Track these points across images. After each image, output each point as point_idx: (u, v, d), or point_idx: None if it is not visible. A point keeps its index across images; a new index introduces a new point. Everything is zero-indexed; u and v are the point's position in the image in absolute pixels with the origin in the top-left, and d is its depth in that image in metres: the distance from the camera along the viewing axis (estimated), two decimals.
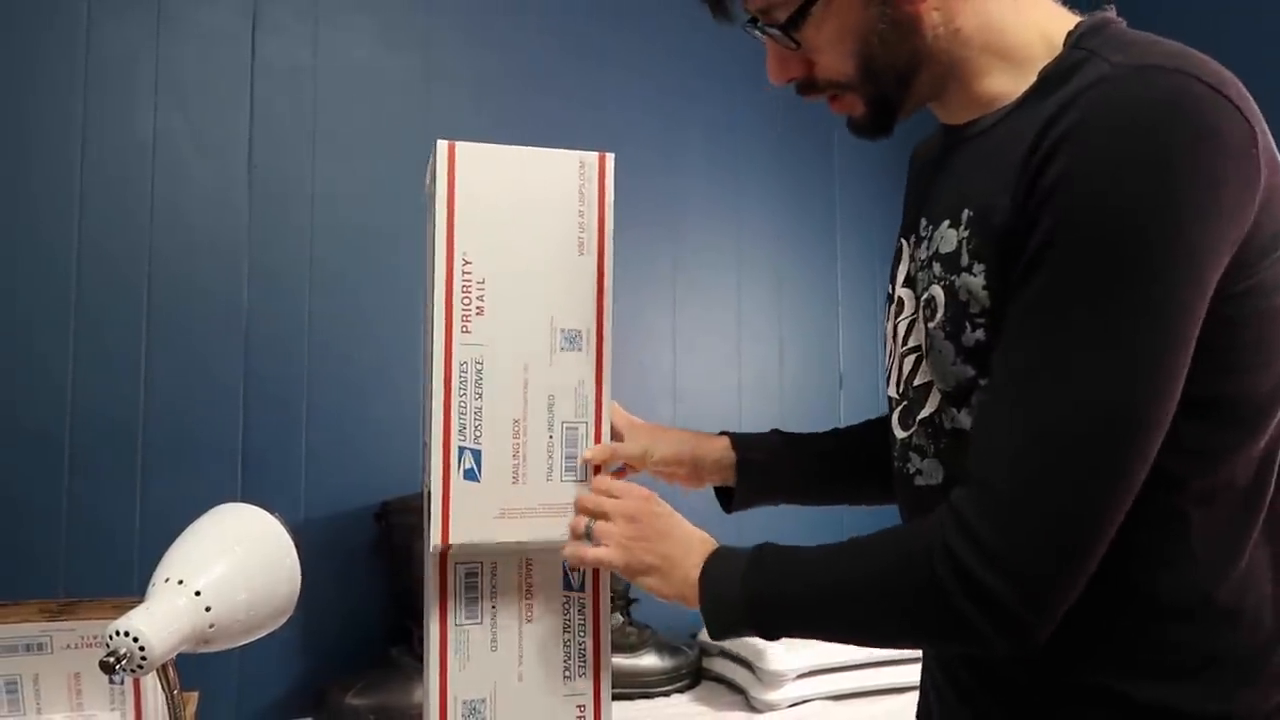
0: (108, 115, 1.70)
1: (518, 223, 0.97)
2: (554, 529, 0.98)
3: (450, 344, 0.95)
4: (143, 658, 0.81)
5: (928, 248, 0.83)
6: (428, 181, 1.01)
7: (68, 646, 1.22)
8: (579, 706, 1.03)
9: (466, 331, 0.95)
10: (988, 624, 0.69)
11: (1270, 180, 0.68)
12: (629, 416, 1.07)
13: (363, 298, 1.85)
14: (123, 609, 1.25)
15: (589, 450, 0.99)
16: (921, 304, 0.83)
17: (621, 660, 1.76)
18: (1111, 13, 0.79)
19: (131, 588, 1.59)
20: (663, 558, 0.90)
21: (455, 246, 0.96)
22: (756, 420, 2.24)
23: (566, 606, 1.03)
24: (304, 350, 1.80)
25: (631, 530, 0.93)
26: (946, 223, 0.80)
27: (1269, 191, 0.68)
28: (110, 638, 0.82)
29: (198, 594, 0.87)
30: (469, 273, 0.96)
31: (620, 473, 1.05)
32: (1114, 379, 0.66)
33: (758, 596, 0.82)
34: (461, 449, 0.95)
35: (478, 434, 0.95)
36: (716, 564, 0.87)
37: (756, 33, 0.84)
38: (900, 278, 0.90)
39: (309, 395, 1.79)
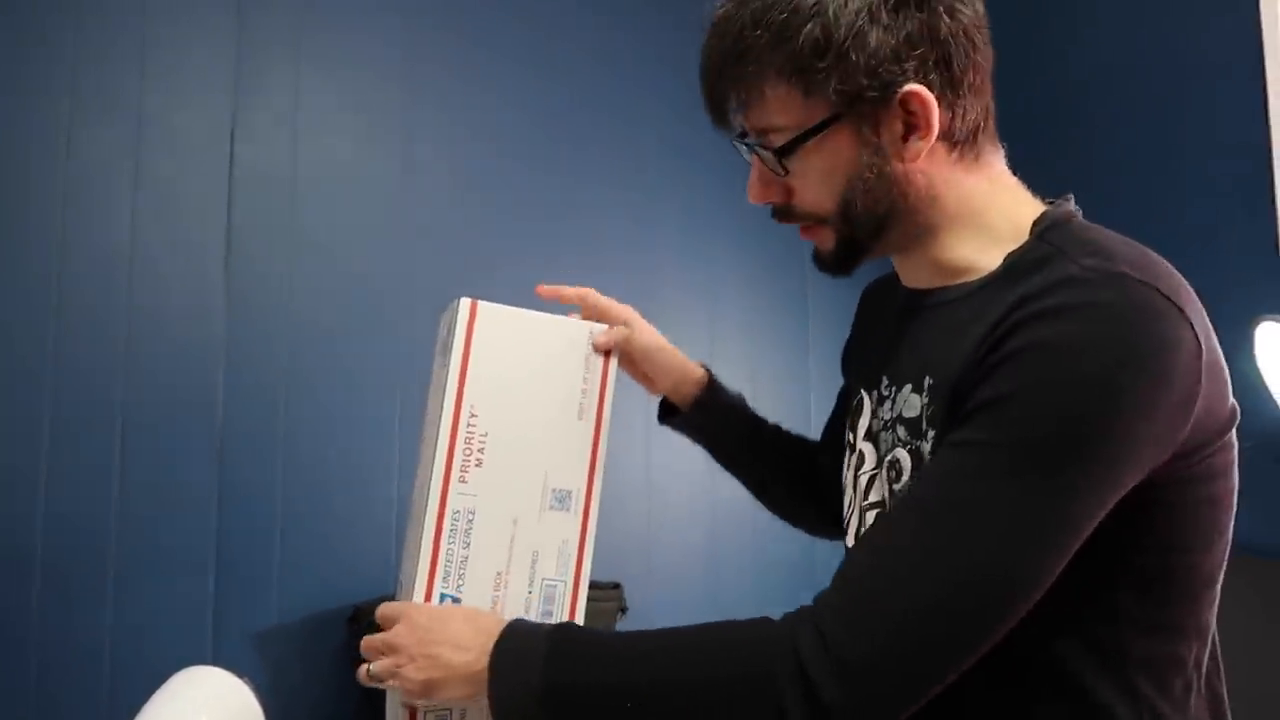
0: (85, 222, 1.71)
1: (525, 383, 1.01)
2: None
3: (446, 491, 0.97)
4: None
5: (891, 409, 0.85)
6: (442, 328, 1.04)
7: None
8: None
9: (464, 481, 0.98)
10: None
11: (1209, 387, 0.72)
12: (631, 311, 1.08)
13: (337, 403, 1.86)
14: None
15: (602, 335, 1.01)
16: (885, 464, 0.85)
17: None
18: (1070, 204, 0.82)
19: (102, 707, 1.57)
20: (434, 664, 0.84)
21: (464, 399, 0.98)
22: (730, 512, 2.25)
23: None
24: (278, 456, 1.80)
25: (394, 659, 0.87)
26: (910, 387, 0.83)
27: (1208, 397, 0.72)
28: None
29: None
30: (473, 425, 0.98)
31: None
32: (1013, 543, 0.69)
33: (558, 685, 0.76)
34: (443, 595, 0.96)
35: (460, 583, 0.97)
36: (511, 641, 0.82)
37: (743, 148, 0.86)
38: (861, 430, 0.92)
39: (282, 500, 1.79)
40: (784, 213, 0.85)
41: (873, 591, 0.71)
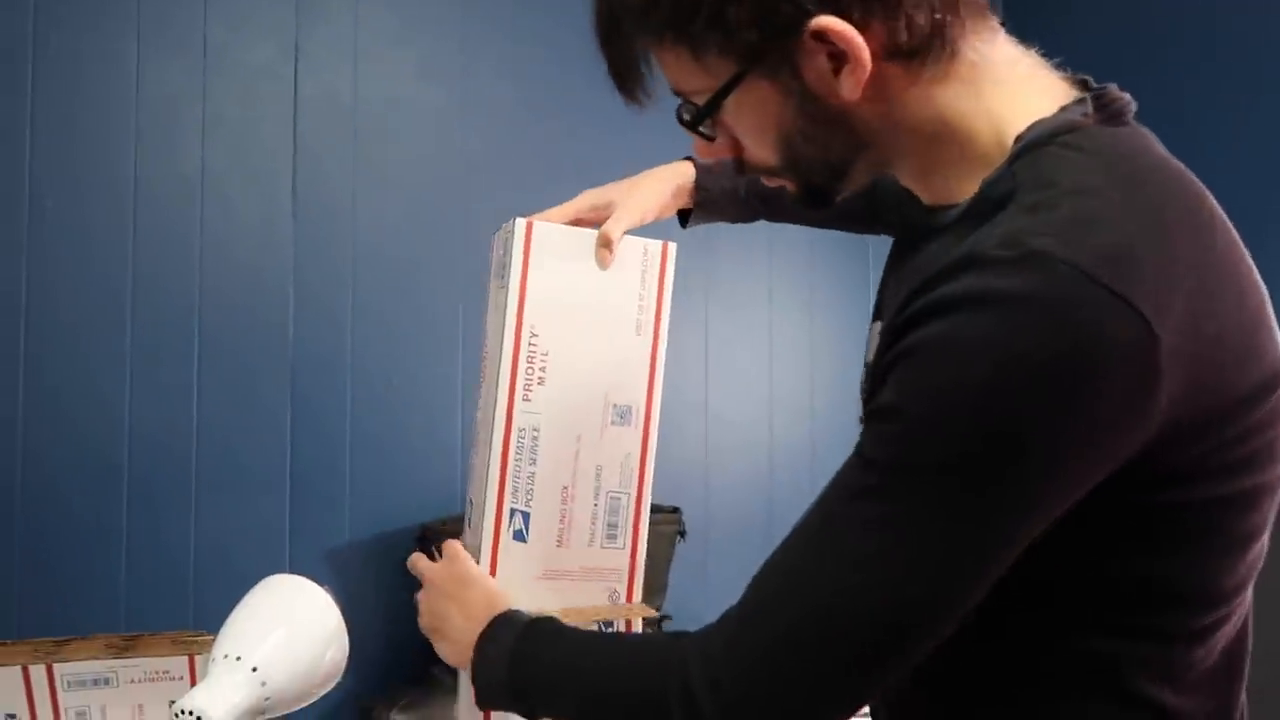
0: (157, 153, 1.76)
1: (583, 301, 1.03)
2: (589, 593, 1.03)
3: (511, 410, 1.01)
4: None
5: (869, 341, 0.80)
6: (497, 249, 1.06)
7: (132, 681, 1.29)
8: None
9: (528, 400, 1.01)
10: None
11: (1208, 360, 0.60)
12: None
13: (403, 324, 1.90)
14: (181, 644, 1.32)
15: (610, 229, 1.01)
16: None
17: None
18: (1077, 112, 0.65)
19: (188, 613, 1.66)
20: (444, 620, 0.89)
21: (524, 319, 1.01)
22: (788, 436, 2.27)
23: None
24: (347, 376, 1.85)
25: (423, 598, 0.93)
26: (876, 327, 0.78)
27: (1193, 382, 0.59)
28: (176, 716, 0.88)
29: (254, 670, 0.92)
30: (534, 345, 1.01)
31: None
32: (884, 576, 0.62)
33: (522, 655, 0.79)
34: (513, 510, 1.01)
35: (529, 498, 1.01)
36: (497, 627, 0.83)
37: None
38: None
39: (352, 420, 1.85)
40: (739, 165, 0.77)
41: (752, 614, 0.68)
